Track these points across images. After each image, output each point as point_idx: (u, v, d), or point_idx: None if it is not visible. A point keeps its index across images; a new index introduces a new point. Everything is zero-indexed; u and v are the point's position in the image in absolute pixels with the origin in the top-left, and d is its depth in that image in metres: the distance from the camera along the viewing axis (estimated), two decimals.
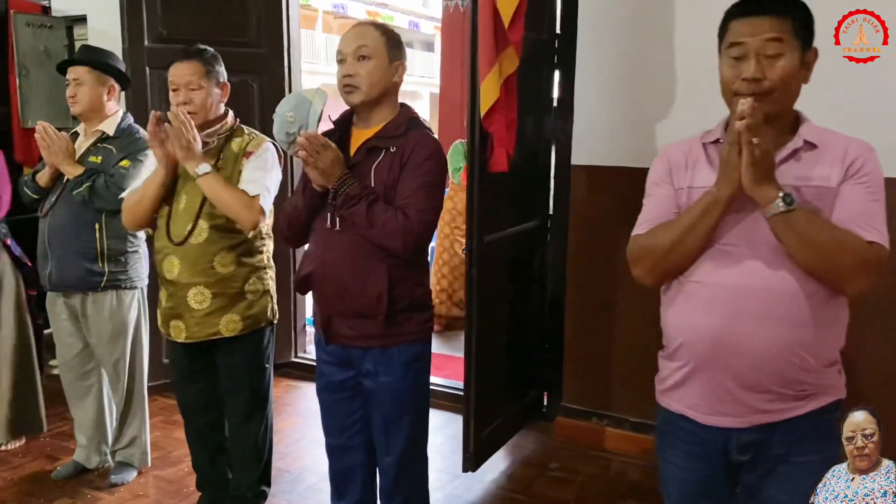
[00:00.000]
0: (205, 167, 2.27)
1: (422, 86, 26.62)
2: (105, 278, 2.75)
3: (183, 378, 2.53)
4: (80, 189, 2.65)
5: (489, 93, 2.58)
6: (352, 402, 2.09)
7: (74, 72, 2.73)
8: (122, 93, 2.92)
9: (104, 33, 3.99)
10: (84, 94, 2.73)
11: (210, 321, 2.36)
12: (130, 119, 2.87)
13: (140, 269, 2.87)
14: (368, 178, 1.91)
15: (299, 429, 3.51)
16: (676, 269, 1.53)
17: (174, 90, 2.34)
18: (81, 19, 4.32)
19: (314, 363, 4.13)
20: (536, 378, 3.49)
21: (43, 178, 2.77)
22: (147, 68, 3.58)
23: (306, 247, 2.08)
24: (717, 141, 1.55)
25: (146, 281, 2.92)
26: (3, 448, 3.20)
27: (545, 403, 3.55)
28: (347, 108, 2.02)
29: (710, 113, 2.96)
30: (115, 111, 2.83)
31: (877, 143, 2.82)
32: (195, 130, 2.29)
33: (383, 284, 1.89)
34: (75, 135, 2.84)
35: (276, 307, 2.53)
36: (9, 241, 3.17)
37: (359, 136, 1.98)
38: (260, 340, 2.48)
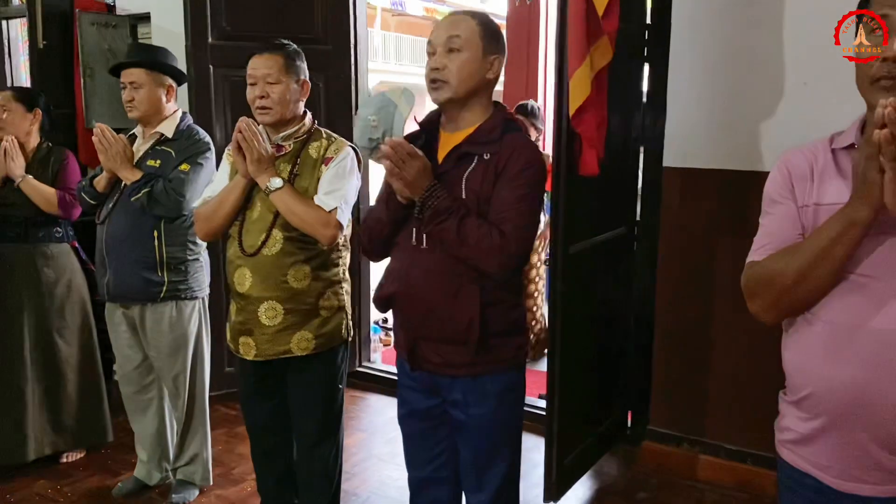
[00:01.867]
0: (277, 182, 2.11)
1: None
2: (164, 288, 2.61)
3: (251, 396, 2.37)
4: (138, 195, 2.52)
5: (579, 89, 2.33)
6: (438, 431, 1.88)
7: (130, 74, 2.57)
8: (178, 91, 2.77)
9: (168, 31, 3.89)
10: (142, 98, 2.57)
11: (281, 339, 2.19)
12: (189, 119, 2.72)
13: (201, 277, 2.73)
14: (459, 188, 1.69)
15: (365, 446, 3.33)
16: (803, 305, 1.27)
17: (251, 83, 2.17)
18: (145, 17, 4.23)
19: (380, 373, 4.04)
20: (620, 398, 3.23)
21: (100, 183, 2.64)
22: (211, 66, 3.44)
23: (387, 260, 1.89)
24: (851, 146, 1.26)
25: (207, 290, 2.77)
26: (64, 460, 3.11)
27: (629, 425, 3.29)
28: (434, 108, 1.81)
29: (823, 110, 2.71)
30: (174, 112, 2.68)
31: (724, 122, 2.57)
32: (267, 143, 2.12)
33: (475, 308, 1.68)
34: (133, 137, 2.70)
35: (350, 323, 2.34)
36: (76, 244, 3.12)
37: (447, 141, 1.76)
38: (333, 360, 2.30)
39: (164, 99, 2.62)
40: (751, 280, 1.32)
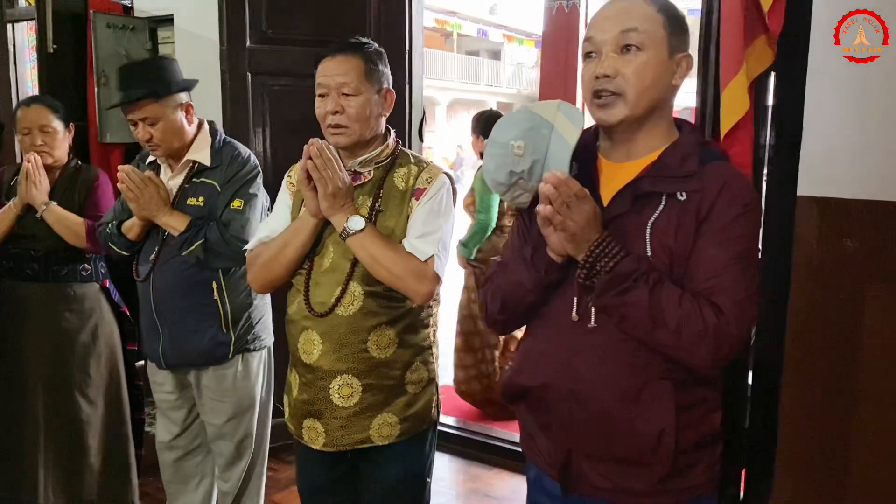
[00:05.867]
0: (357, 222, 1.62)
1: (488, 95, 25.97)
2: (232, 345, 2.14)
3: (315, 489, 1.86)
4: (192, 248, 2.04)
5: (736, 103, 1.87)
6: None
7: (141, 111, 2.05)
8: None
9: (193, 35, 3.43)
10: (162, 135, 2.07)
11: (358, 423, 1.70)
12: (221, 133, 2.23)
13: (267, 320, 2.28)
14: (640, 242, 1.20)
15: None
16: None
17: (322, 94, 1.69)
18: (167, 20, 3.77)
19: (448, 430, 3.46)
20: (733, 469, 2.72)
21: (132, 231, 2.15)
22: (249, 73, 2.96)
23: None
24: None
25: (273, 338, 2.31)
26: None
27: (741, 498, 2.78)
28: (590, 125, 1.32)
29: None
30: (200, 128, 2.18)
31: (876, 145, 2.31)
32: (344, 172, 1.64)
33: (667, 415, 1.19)
34: (154, 166, 2.21)
35: (439, 398, 1.84)
36: (107, 283, 2.61)
37: (615, 173, 1.27)
38: (421, 447, 1.79)
39: (185, 123, 2.13)
40: None
